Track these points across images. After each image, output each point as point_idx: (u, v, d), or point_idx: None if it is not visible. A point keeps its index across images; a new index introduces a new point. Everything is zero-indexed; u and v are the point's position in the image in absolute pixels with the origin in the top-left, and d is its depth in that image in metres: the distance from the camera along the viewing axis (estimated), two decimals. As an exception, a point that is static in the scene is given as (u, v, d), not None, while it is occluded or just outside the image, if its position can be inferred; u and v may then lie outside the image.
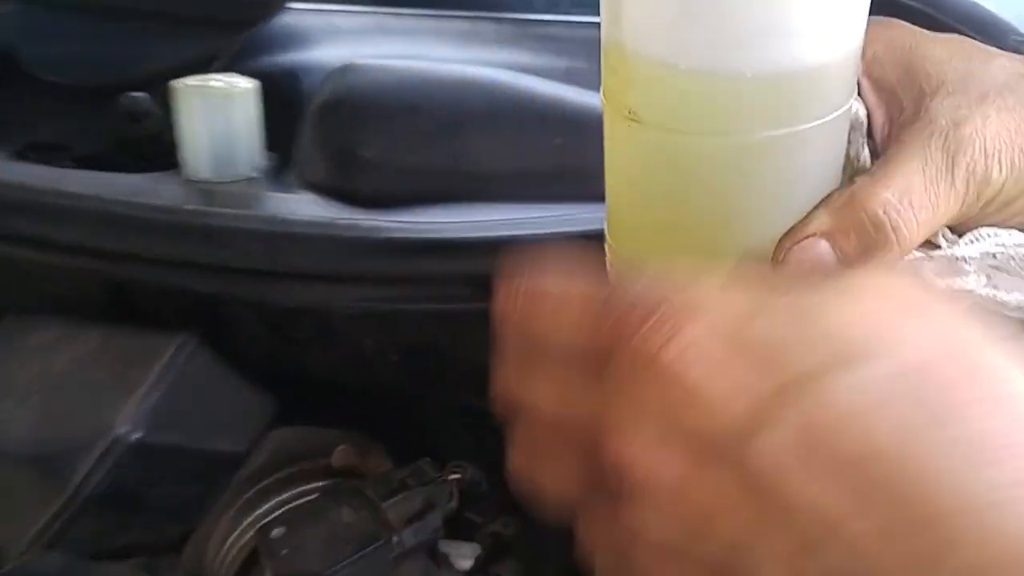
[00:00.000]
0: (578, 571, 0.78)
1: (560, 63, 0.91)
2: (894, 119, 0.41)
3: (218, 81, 0.75)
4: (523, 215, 0.71)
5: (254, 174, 0.78)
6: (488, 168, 0.75)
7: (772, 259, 0.36)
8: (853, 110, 0.40)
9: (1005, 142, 0.38)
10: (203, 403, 0.69)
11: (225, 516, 0.66)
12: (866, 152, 0.41)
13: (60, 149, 0.85)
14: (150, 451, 0.64)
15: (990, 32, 0.85)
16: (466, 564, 0.64)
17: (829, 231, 0.36)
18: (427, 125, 0.73)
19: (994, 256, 0.37)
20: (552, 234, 0.68)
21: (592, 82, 0.81)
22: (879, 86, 0.42)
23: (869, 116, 0.41)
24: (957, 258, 0.37)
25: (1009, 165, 0.38)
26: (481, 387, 0.87)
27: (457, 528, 0.70)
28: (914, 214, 0.36)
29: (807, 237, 0.37)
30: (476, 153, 0.75)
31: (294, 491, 0.65)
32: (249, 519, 0.65)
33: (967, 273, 0.37)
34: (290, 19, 0.92)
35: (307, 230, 0.65)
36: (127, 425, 0.63)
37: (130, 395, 0.64)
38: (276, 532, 0.56)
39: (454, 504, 0.60)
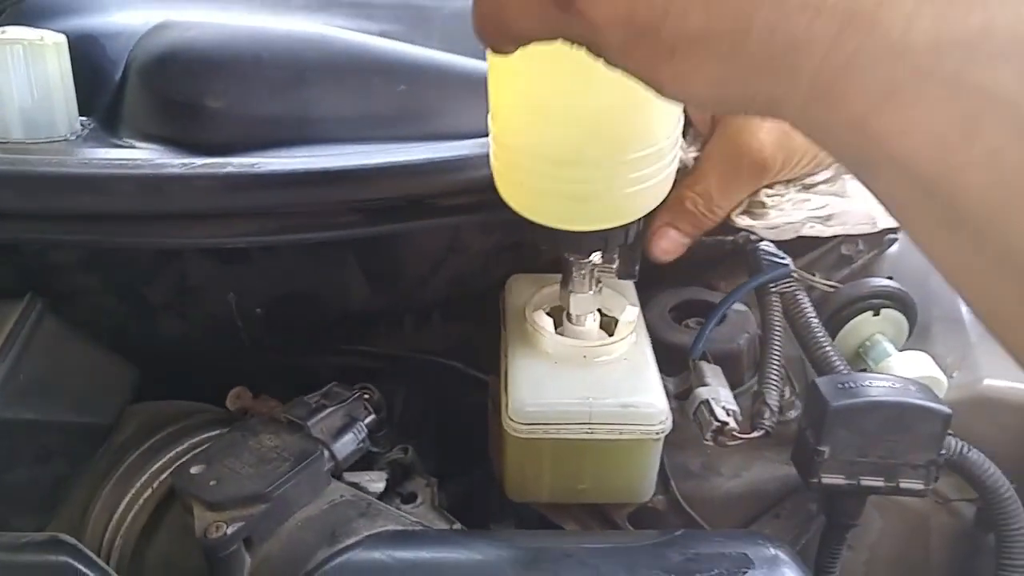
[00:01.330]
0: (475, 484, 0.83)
1: (373, 26, 0.96)
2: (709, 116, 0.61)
3: (22, 31, 0.69)
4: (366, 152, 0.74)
5: (71, 136, 0.73)
6: (331, 113, 0.77)
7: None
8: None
9: (778, 137, 0.59)
10: (59, 372, 0.63)
11: (103, 488, 0.61)
12: (691, 154, 0.60)
13: None
14: (5, 428, 0.58)
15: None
16: (379, 487, 0.67)
17: (670, 222, 0.63)
18: (273, 74, 0.74)
19: None
20: (395, 164, 0.70)
21: (408, 42, 0.87)
22: None
23: (689, 120, 0.60)
24: None
25: (783, 155, 0.60)
26: (349, 333, 0.89)
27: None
28: (714, 203, 0.63)
29: (659, 227, 0.64)
30: (319, 101, 0.77)
31: (192, 440, 0.62)
32: (142, 477, 0.60)
33: None
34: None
35: (150, 171, 0.62)
36: (-23, 401, 0.56)
37: (-25, 369, 0.57)
38: (196, 469, 0.54)
39: (373, 417, 0.62)
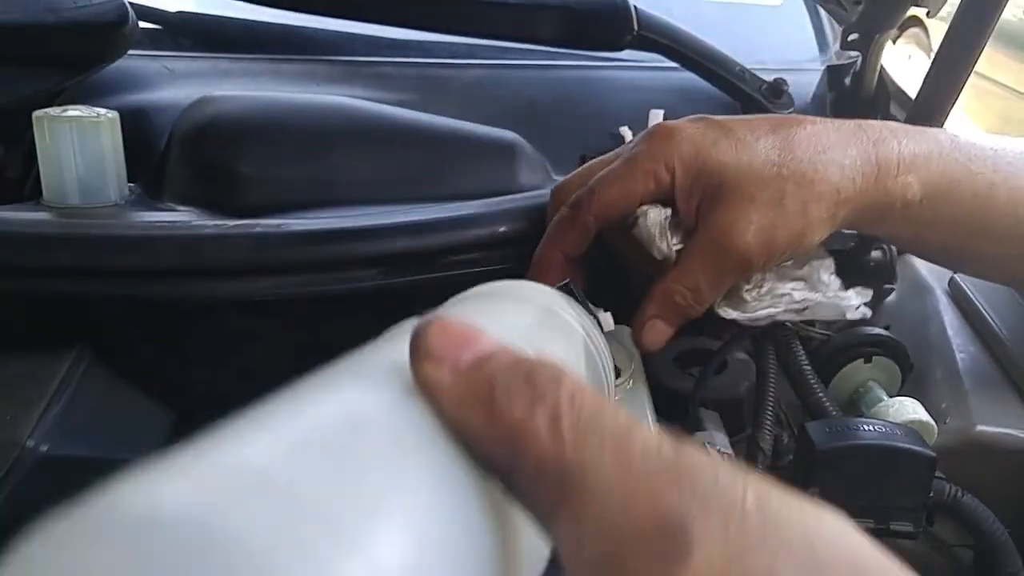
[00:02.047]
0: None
1: (392, 96, 1.04)
2: (695, 209, 0.63)
3: (80, 110, 0.78)
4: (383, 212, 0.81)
5: (120, 201, 0.81)
6: (352, 177, 0.85)
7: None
8: (655, 217, 0.62)
9: (764, 238, 0.62)
10: (105, 415, 0.69)
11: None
12: (670, 244, 0.63)
13: None
14: (57, 464, 0.64)
15: (719, 63, 1.14)
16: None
17: (658, 314, 0.66)
18: (300, 142, 0.82)
19: None
20: (408, 223, 0.76)
21: (423, 110, 0.95)
22: (681, 186, 0.63)
23: (676, 210, 0.63)
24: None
25: (767, 253, 0.63)
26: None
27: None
28: (703, 298, 0.66)
29: (647, 320, 0.66)
30: (341, 165, 0.84)
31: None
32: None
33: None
34: (131, 63, 0.96)
35: (187, 232, 0.69)
36: (32, 440, 0.62)
37: (31, 411, 0.64)
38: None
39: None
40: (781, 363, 0.85)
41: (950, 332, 0.90)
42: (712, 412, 0.84)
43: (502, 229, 0.77)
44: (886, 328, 0.95)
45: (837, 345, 0.86)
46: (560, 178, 0.94)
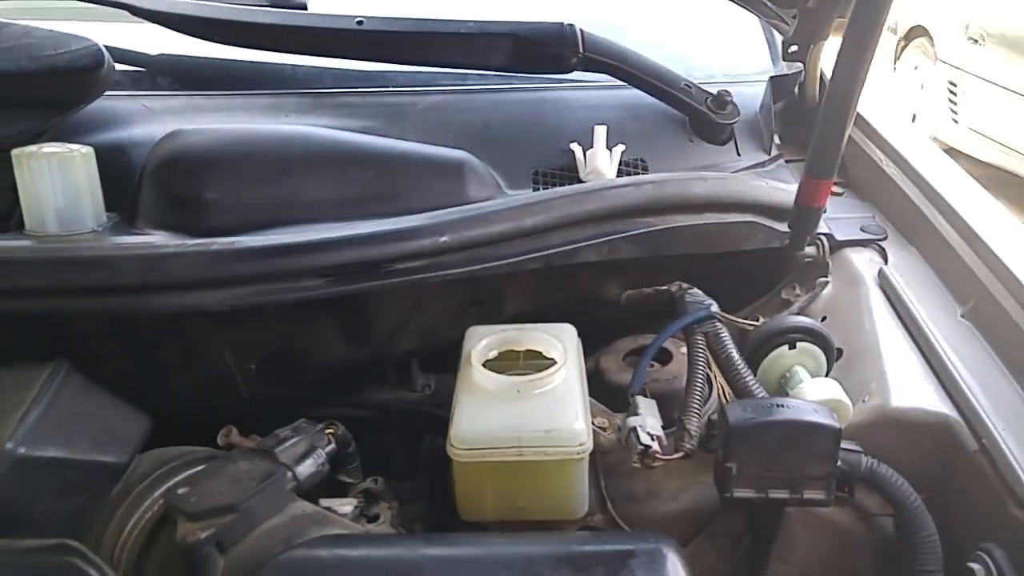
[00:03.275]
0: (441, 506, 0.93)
1: (355, 123, 1.12)
2: None
3: (55, 147, 0.86)
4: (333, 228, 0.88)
5: (97, 228, 0.89)
6: (311, 198, 0.92)
7: None
8: None
9: None
10: (81, 420, 0.76)
11: (116, 512, 0.73)
12: None
13: None
14: (33, 464, 0.71)
15: (664, 79, 1.21)
16: (347, 510, 0.78)
17: None
18: (260, 168, 0.90)
19: None
20: (352, 236, 0.83)
21: (383, 135, 1.03)
22: None
23: None
24: None
25: None
26: (331, 384, 1.01)
27: (333, 490, 0.84)
28: None
29: None
30: (301, 188, 0.92)
31: (187, 472, 0.74)
32: (145, 503, 0.72)
33: None
34: (111, 103, 1.04)
35: (148, 251, 0.76)
36: (10, 443, 0.69)
37: (11, 417, 0.71)
38: (183, 490, 0.66)
39: (333, 447, 0.74)
40: (711, 351, 0.91)
41: (877, 320, 0.96)
42: (649, 400, 0.90)
43: (443, 239, 0.84)
44: (823, 319, 1.01)
45: (763, 333, 0.92)
46: (513, 193, 1.02)
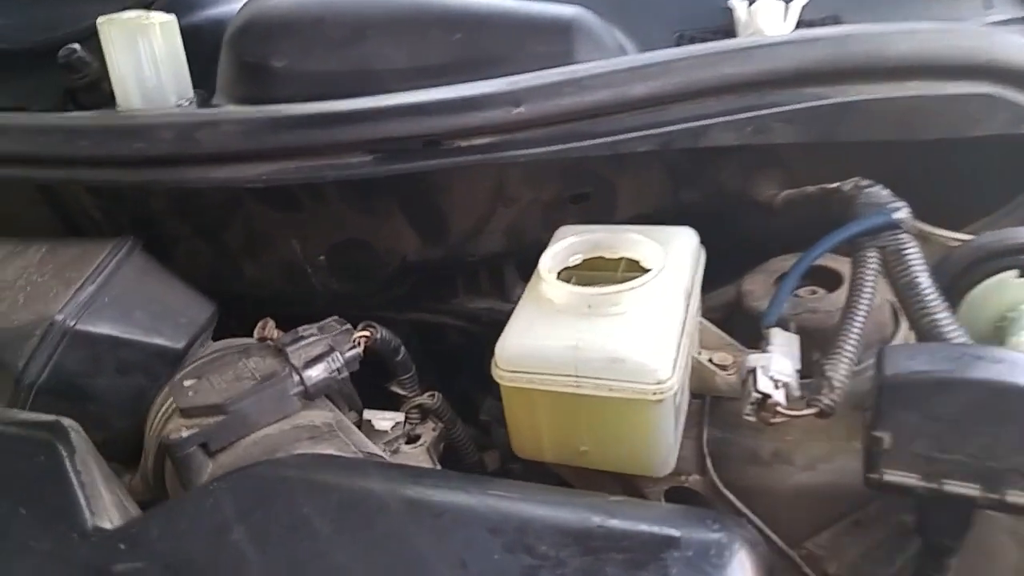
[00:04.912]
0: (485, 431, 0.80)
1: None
2: None
3: (134, 14, 0.81)
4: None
5: (184, 103, 0.84)
6: (388, 65, 0.79)
7: None
8: None
9: None
10: (141, 300, 0.73)
11: (158, 397, 0.70)
12: None
13: (15, 111, 0.92)
14: (87, 340, 0.68)
15: None
16: (384, 425, 0.67)
17: None
18: (334, 33, 0.78)
19: None
20: (402, 105, 0.68)
21: None
22: None
23: None
24: None
25: None
26: (417, 286, 0.90)
27: (386, 401, 0.74)
28: None
29: None
30: (377, 54, 0.79)
31: (213, 357, 0.69)
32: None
33: None
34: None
35: (183, 119, 0.68)
36: (62, 314, 0.67)
37: (67, 289, 0.69)
38: (188, 381, 0.60)
39: (356, 351, 0.63)
40: (890, 273, 0.64)
41: None
42: (791, 335, 0.67)
43: (518, 110, 0.66)
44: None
45: (976, 251, 0.62)
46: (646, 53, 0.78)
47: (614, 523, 0.43)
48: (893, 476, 0.52)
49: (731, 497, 0.63)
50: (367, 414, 0.69)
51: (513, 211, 0.79)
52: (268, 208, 0.79)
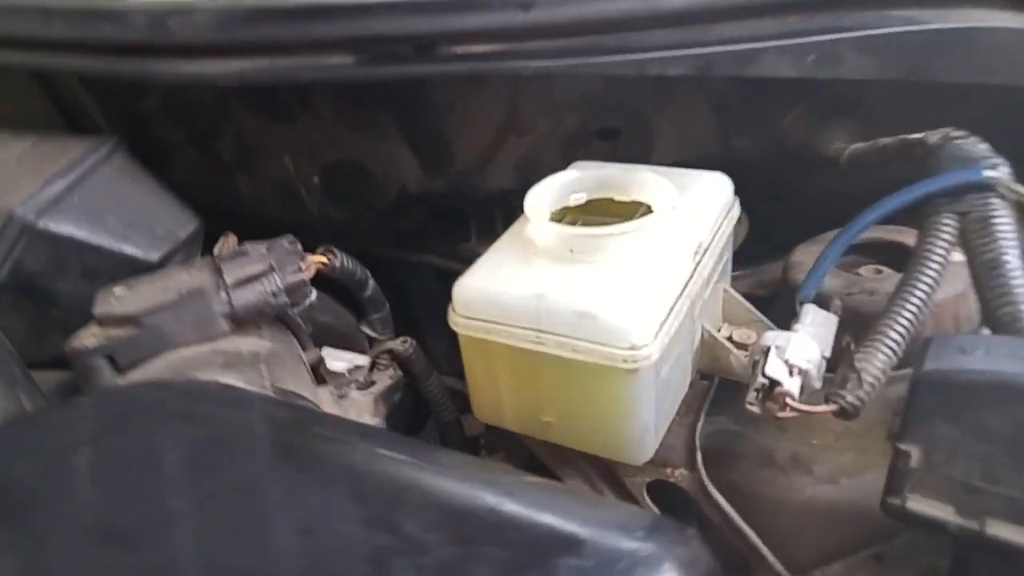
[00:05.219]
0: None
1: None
2: None
3: None
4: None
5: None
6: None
7: None
8: None
9: None
10: (115, 204, 0.68)
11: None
12: None
13: None
14: (49, 239, 0.64)
15: None
16: (338, 366, 0.60)
17: None
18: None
19: None
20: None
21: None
22: None
23: None
24: None
25: None
26: (423, 223, 0.81)
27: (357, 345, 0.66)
28: None
29: None
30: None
31: (162, 270, 0.63)
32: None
33: None
34: None
35: (192, 3, 0.62)
36: (24, 208, 0.63)
37: (35, 183, 0.65)
38: (118, 289, 0.55)
39: (302, 277, 0.55)
40: (968, 246, 0.50)
41: None
42: (830, 316, 0.54)
43: (527, 15, 0.56)
44: None
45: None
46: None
47: (509, 509, 0.33)
48: (919, 505, 0.39)
49: (720, 501, 0.52)
50: (327, 351, 0.62)
51: (527, 142, 0.69)
52: (257, 117, 0.72)
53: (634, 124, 0.69)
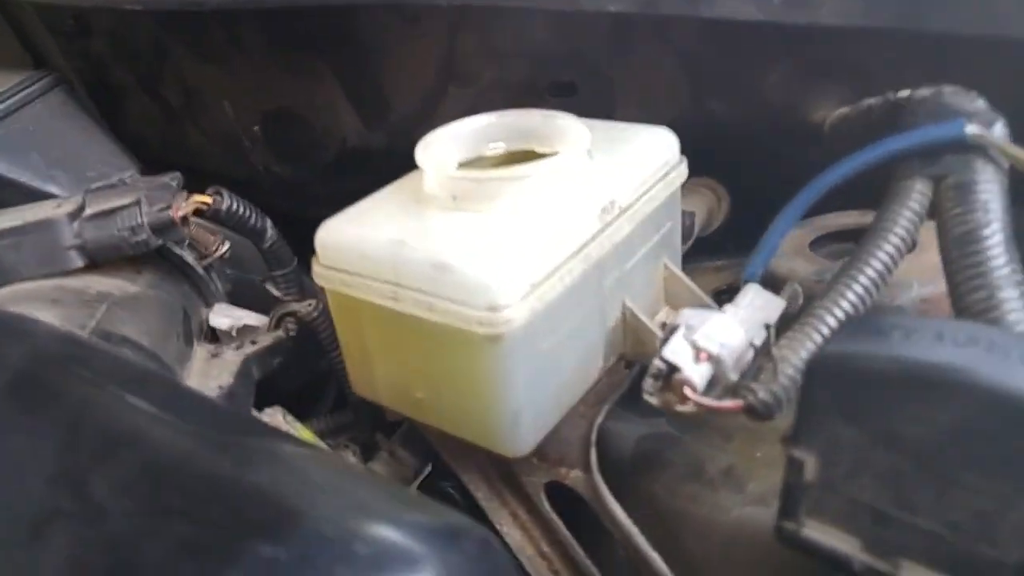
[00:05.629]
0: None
1: None
2: None
3: None
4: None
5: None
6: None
7: None
8: None
9: None
10: (43, 142, 0.65)
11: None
12: None
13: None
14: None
15: None
16: (222, 323, 0.54)
17: None
18: None
19: None
20: None
21: None
22: None
23: None
24: None
25: None
26: (351, 169, 0.75)
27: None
28: None
29: None
30: None
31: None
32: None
33: None
34: None
35: None
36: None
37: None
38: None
39: (168, 215, 0.49)
40: (941, 215, 0.39)
41: None
42: (775, 299, 0.44)
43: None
44: None
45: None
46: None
47: (230, 478, 0.26)
48: (818, 533, 0.30)
49: (616, 511, 0.43)
50: (216, 308, 0.56)
51: (470, 92, 0.62)
52: (194, 59, 0.68)
53: (591, 80, 0.61)
